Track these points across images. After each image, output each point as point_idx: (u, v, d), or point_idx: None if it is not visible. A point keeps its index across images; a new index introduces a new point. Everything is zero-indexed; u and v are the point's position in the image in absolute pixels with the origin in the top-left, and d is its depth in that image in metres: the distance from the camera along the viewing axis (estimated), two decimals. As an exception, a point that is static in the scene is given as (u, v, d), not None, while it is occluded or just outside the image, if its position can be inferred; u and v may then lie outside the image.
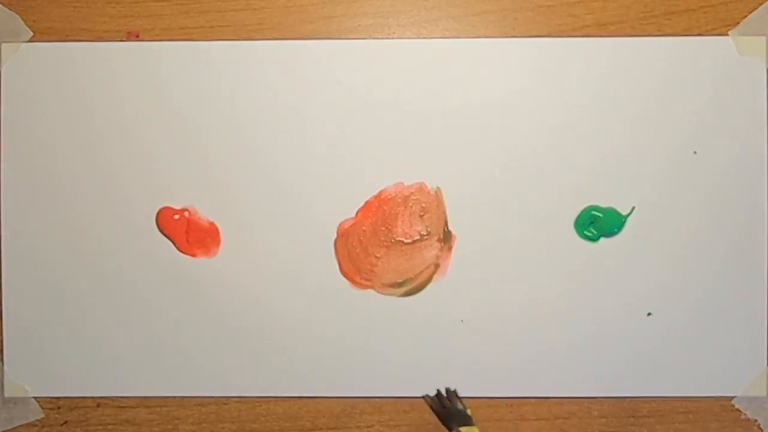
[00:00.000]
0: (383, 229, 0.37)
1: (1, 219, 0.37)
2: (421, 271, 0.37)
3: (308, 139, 0.37)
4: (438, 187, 0.37)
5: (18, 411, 0.37)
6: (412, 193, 0.37)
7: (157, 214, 0.37)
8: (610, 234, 0.37)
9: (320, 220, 0.37)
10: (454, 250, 0.37)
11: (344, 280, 0.37)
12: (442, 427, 0.37)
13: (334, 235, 0.37)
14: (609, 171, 0.37)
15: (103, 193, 0.37)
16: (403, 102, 0.37)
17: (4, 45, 0.37)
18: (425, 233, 0.37)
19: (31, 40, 0.37)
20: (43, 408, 0.38)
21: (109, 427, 0.38)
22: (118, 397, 0.38)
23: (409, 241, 0.37)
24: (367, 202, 0.37)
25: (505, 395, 0.37)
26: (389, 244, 0.37)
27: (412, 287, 0.37)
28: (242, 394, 0.38)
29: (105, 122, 0.37)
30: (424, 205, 0.37)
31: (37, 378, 0.38)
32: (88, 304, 0.37)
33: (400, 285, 0.37)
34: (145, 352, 0.37)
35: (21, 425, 0.38)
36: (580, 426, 0.37)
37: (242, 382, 0.37)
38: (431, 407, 0.34)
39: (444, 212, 0.37)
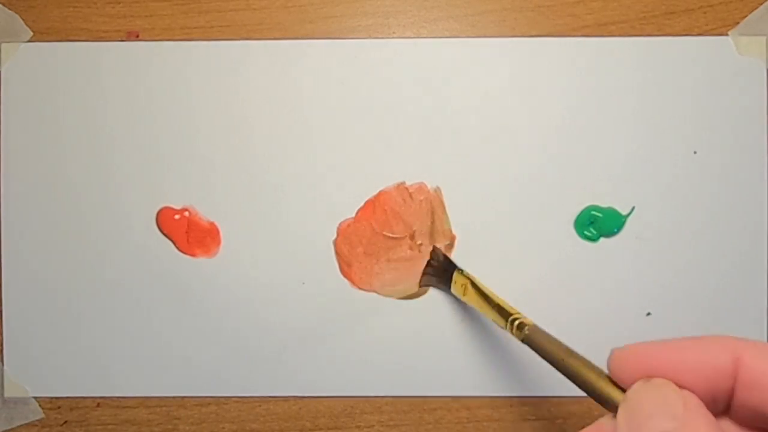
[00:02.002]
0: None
1: (1, 219, 0.37)
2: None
3: (308, 139, 0.37)
4: (438, 187, 0.37)
5: (18, 411, 0.37)
6: (412, 193, 0.37)
7: (157, 214, 0.37)
8: (610, 234, 0.37)
9: (320, 220, 0.37)
10: (454, 250, 0.37)
11: (344, 280, 0.37)
12: (443, 427, 0.37)
13: (334, 235, 0.37)
14: (609, 171, 0.37)
15: (103, 193, 0.37)
16: (403, 102, 0.37)
17: (4, 45, 0.37)
18: (425, 233, 0.37)
19: (31, 40, 0.37)
20: (43, 408, 0.38)
21: (109, 427, 0.38)
22: (118, 397, 0.38)
23: (409, 241, 0.37)
24: (367, 202, 0.37)
25: (505, 395, 0.37)
26: (389, 244, 0.37)
27: (412, 287, 0.37)
28: (242, 394, 0.38)
29: (105, 122, 0.37)
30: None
31: (37, 378, 0.38)
32: (88, 304, 0.37)
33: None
34: (145, 352, 0.37)
35: (21, 425, 0.38)
36: (580, 426, 0.37)
37: (242, 382, 0.37)
38: (432, 265, 0.36)
39: (444, 212, 0.37)
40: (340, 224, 0.37)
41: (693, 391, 0.18)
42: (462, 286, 0.34)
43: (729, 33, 0.37)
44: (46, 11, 0.37)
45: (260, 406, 0.38)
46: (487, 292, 0.32)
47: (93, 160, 0.37)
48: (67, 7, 0.37)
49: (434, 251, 0.37)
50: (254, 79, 0.37)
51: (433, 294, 0.37)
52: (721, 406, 0.19)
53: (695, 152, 0.37)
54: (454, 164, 0.37)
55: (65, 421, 0.38)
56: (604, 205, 0.37)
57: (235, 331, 0.37)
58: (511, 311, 0.30)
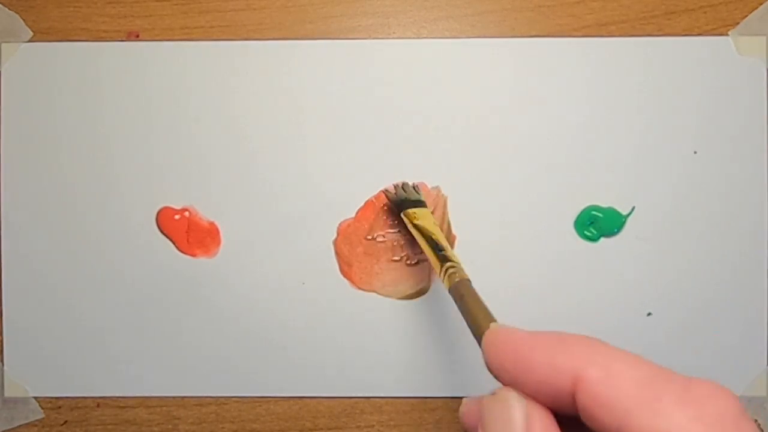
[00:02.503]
0: (383, 229, 0.37)
1: (1, 219, 0.37)
2: (421, 271, 0.37)
3: (308, 139, 0.37)
4: (438, 187, 0.37)
5: (18, 411, 0.37)
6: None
7: (157, 214, 0.37)
8: (610, 234, 0.37)
9: (320, 220, 0.37)
10: (454, 250, 0.37)
11: (344, 280, 0.37)
12: (443, 427, 0.37)
13: (334, 235, 0.37)
14: (609, 171, 0.37)
15: (103, 193, 0.37)
16: (403, 102, 0.37)
17: (4, 45, 0.37)
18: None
19: (31, 40, 0.37)
20: (43, 408, 0.38)
21: (109, 427, 0.38)
22: (118, 397, 0.38)
23: (409, 241, 0.37)
24: (367, 202, 0.37)
25: (505, 395, 0.37)
26: (389, 244, 0.37)
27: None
28: (242, 394, 0.38)
29: (105, 122, 0.37)
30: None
31: (37, 378, 0.38)
32: (88, 304, 0.37)
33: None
34: (145, 352, 0.37)
35: (21, 425, 0.38)
36: (580, 426, 0.37)
37: (242, 382, 0.37)
38: (387, 197, 0.36)
39: (445, 212, 0.37)
40: (340, 224, 0.37)
41: (540, 401, 0.18)
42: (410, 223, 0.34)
43: (729, 33, 0.37)
44: (46, 11, 0.37)
45: (260, 406, 0.38)
46: (427, 232, 0.32)
47: (93, 160, 0.37)
48: (67, 7, 0.37)
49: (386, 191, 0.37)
50: (254, 79, 0.37)
51: (433, 294, 0.37)
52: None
53: (695, 152, 0.37)
54: (454, 164, 0.37)
55: (65, 421, 0.38)
56: (604, 205, 0.37)
57: (234, 331, 0.37)
58: (453, 259, 0.29)
